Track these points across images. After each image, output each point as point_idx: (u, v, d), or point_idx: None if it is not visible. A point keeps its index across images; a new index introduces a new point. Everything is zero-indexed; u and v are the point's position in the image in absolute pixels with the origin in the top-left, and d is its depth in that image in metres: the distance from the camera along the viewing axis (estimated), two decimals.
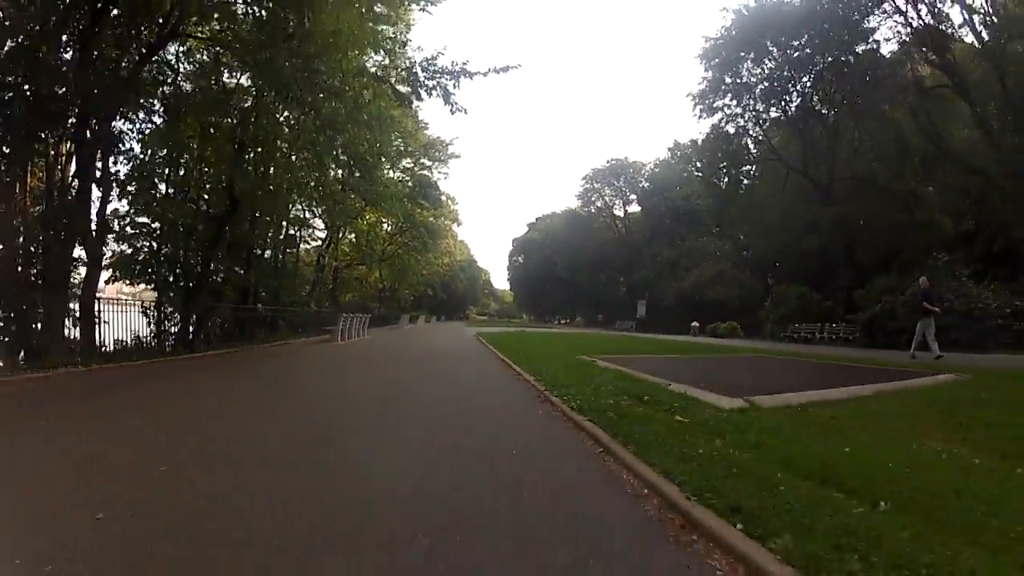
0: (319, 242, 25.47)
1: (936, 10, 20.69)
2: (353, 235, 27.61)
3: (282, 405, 5.84)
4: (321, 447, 3.85)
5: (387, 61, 13.97)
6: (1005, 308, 14.88)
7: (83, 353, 8.19)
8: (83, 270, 9.44)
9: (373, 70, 12.88)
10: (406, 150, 25.68)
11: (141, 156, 10.69)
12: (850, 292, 21.41)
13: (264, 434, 4.23)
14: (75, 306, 8.95)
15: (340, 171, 15.35)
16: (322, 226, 23.61)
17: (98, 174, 9.74)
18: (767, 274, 32.25)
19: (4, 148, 8.53)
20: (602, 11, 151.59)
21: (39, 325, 8.30)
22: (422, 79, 12.59)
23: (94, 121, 9.07)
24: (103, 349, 9.06)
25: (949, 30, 20.81)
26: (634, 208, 50.34)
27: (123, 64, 9.88)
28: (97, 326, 9.08)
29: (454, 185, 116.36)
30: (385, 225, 29.58)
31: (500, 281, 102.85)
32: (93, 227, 9.62)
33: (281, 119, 12.75)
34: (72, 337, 8.68)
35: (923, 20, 20.94)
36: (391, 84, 13.40)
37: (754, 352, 13.93)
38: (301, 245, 22.92)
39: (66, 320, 8.66)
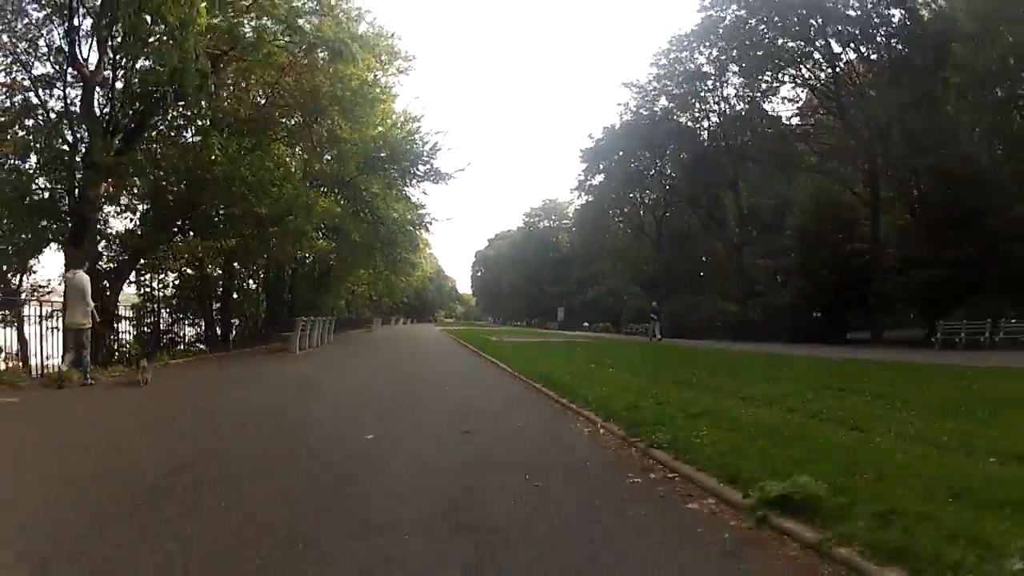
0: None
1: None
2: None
3: (362, 359, 20.11)
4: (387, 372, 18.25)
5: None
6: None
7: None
8: None
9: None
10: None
11: None
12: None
13: (363, 368, 18.61)
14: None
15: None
16: None
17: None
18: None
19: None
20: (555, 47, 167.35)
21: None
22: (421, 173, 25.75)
23: None
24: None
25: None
26: (563, 237, 65.73)
27: None
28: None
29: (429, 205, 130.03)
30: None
31: (464, 286, 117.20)
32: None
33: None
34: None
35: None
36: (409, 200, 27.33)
37: (567, 337, 28.90)
38: None
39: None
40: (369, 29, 21.02)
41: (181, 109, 12.88)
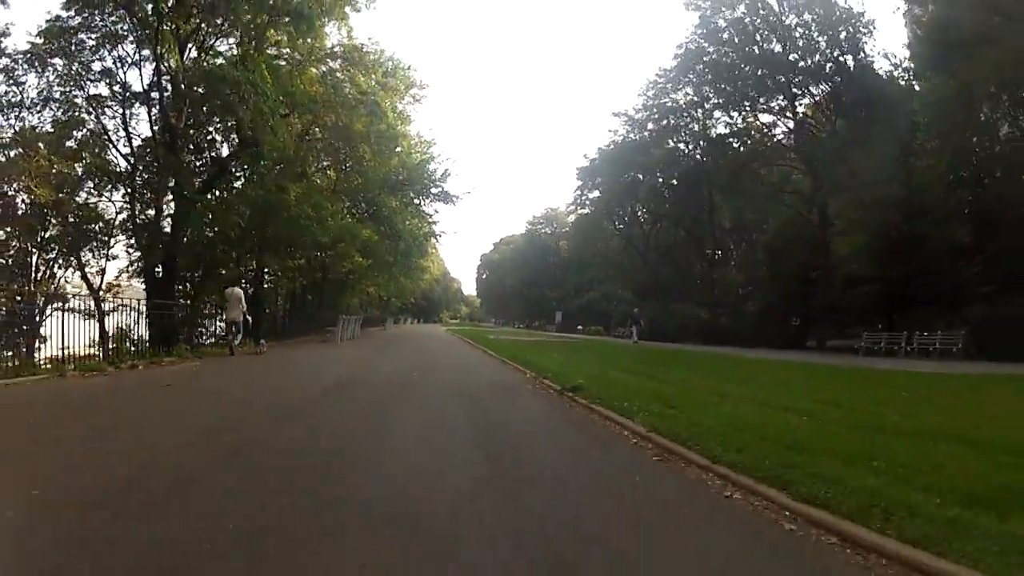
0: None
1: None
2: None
3: (391, 347, 24.27)
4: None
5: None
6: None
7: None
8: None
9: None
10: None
11: None
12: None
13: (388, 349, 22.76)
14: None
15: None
16: None
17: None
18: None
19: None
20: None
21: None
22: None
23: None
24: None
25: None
26: (562, 244, 69.85)
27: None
28: None
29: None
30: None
31: (469, 287, 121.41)
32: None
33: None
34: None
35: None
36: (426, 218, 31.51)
37: (559, 337, 32.93)
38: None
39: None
40: (389, 64, 25.21)
41: (255, 158, 16.94)
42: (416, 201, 29.59)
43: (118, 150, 17.72)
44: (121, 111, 17.28)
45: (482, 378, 11.37)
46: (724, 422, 5.84)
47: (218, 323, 17.05)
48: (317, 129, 22.65)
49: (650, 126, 38.82)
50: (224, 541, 2.76)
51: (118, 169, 17.63)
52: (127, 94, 17.13)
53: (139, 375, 9.68)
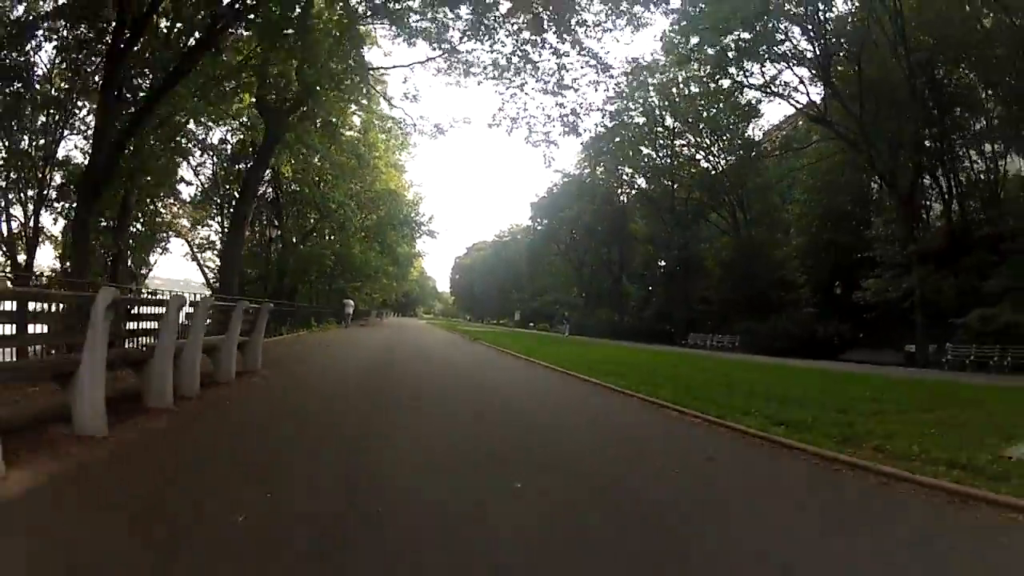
0: None
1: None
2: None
3: (385, 330, 37.24)
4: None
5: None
6: None
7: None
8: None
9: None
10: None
11: None
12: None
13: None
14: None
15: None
16: None
17: None
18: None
19: None
20: None
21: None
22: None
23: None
24: None
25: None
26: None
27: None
28: None
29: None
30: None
31: (443, 284, 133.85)
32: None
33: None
34: None
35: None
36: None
37: (513, 330, 46.31)
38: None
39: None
40: (393, 126, 37.86)
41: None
42: (408, 232, 42.48)
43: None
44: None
45: (445, 339, 24.42)
46: (580, 362, 18.97)
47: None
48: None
49: (585, 172, 52.30)
50: (396, 377, 15.74)
51: None
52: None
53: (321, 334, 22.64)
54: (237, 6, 12.55)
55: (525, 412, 8.01)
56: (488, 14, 13.72)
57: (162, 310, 6.05)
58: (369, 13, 15.22)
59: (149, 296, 10.39)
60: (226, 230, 24.91)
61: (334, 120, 23.98)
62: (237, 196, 22.67)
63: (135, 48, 12.22)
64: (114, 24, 11.94)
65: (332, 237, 31.28)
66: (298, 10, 12.72)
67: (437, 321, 60.88)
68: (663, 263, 45.28)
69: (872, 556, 3.00)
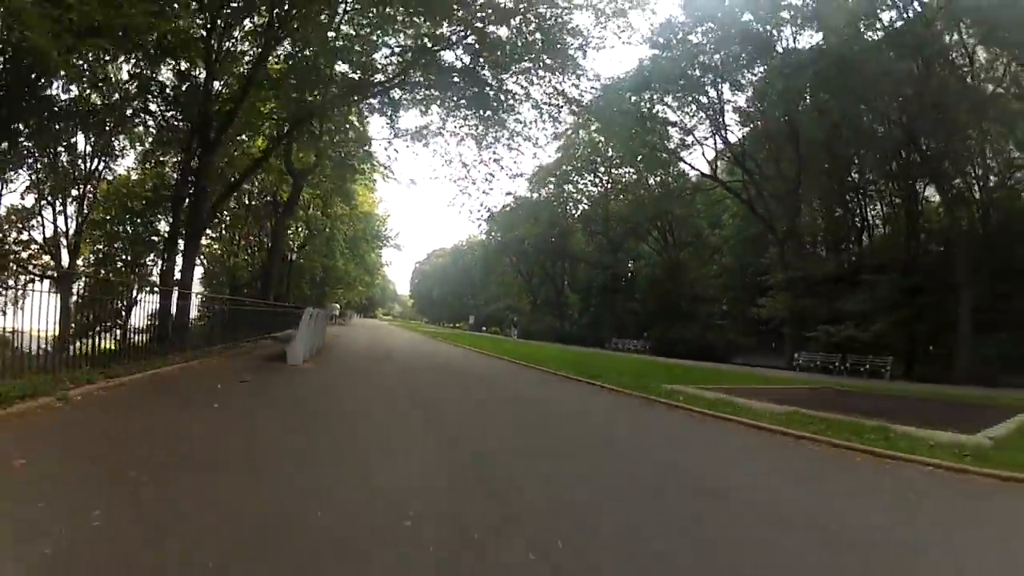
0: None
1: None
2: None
3: (359, 329, 43.18)
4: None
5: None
6: None
7: None
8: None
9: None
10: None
11: None
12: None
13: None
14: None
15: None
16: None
17: None
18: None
19: None
20: None
21: None
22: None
23: None
24: None
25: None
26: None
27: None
28: None
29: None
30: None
31: (402, 288, 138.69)
32: None
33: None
34: None
35: None
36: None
37: (467, 332, 52.93)
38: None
39: None
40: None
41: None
42: (377, 246, 48.76)
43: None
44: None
45: (415, 338, 30.80)
46: (522, 355, 25.66)
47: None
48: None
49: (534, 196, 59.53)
50: (400, 362, 22.20)
51: None
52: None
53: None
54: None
55: (477, 374, 14.76)
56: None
57: (299, 315, 12.76)
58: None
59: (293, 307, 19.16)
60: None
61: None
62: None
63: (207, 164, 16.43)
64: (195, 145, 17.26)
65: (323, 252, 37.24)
66: None
67: (397, 322, 66.95)
68: (599, 278, 52.95)
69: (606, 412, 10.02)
